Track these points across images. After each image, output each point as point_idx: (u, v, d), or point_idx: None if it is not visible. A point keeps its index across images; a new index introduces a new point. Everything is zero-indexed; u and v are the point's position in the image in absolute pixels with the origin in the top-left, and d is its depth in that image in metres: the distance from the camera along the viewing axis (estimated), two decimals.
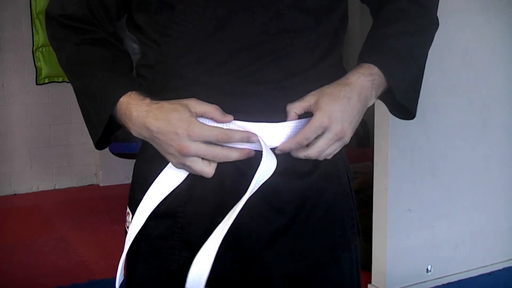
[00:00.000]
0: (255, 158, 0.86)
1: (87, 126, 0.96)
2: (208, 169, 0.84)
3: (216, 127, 0.83)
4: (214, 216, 0.89)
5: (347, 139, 0.87)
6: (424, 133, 2.60)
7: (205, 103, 0.83)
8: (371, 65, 0.90)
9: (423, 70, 1.01)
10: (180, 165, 0.85)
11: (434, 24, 0.99)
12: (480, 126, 2.77)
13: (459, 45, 2.65)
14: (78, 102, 0.96)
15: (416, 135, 2.57)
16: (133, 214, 0.95)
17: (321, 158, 0.87)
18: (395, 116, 1.02)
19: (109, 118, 0.89)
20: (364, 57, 0.92)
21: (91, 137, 0.95)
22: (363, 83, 0.88)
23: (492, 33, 2.74)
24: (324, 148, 0.85)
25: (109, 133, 0.94)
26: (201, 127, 0.82)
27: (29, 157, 4.57)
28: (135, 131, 0.86)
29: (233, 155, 0.84)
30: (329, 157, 0.89)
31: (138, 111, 0.84)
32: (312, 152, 0.85)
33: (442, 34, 2.90)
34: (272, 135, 0.86)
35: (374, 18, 1.01)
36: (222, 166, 0.85)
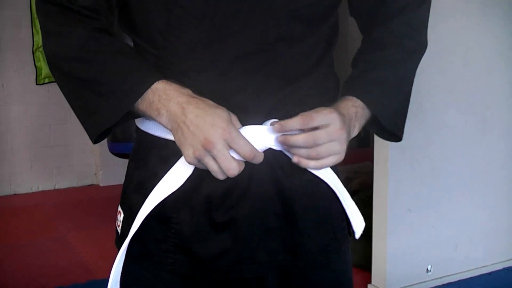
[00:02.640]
0: (248, 166, 0.86)
1: (85, 118, 0.89)
2: (221, 174, 0.82)
3: (250, 144, 0.81)
4: (207, 222, 0.89)
5: (341, 150, 0.86)
6: (424, 133, 2.60)
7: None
8: (354, 98, 0.91)
9: (410, 94, 1.02)
10: (195, 160, 0.81)
11: (423, 48, 1.00)
12: (480, 126, 2.77)
13: (459, 45, 2.65)
14: (77, 93, 0.89)
15: (416, 135, 2.57)
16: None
17: (313, 155, 0.84)
18: (384, 139, 1.04)
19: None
20: (348, 89, 0.94)
21: (91, 128, 0.88)
22: (349, 114, 0.90)
23: (492, 33, 2.74)
24: (322, 139, 0.83)
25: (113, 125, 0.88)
26: (238, 133, 0.80)
27: (29, 157, 4.58)
28: (167, 117, 0.83)
29: (235, 174, 0.82)
30: (322, 162, 0.86)
31: (180, 97, 0.82)
32: (308, 140, 0.83)
33: (442, 34, 2.90)
34: (265, 137, 0.86)
35: (363, 34, 1.01)
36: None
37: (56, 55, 0.89)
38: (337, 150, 0.85)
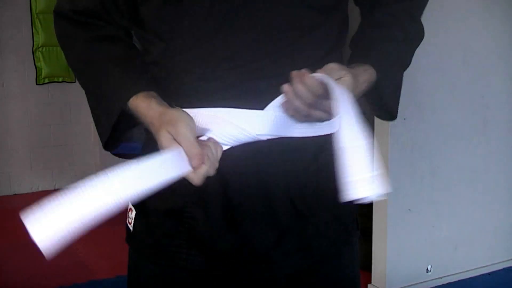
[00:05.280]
0: (259, 157, 0.87)
1: (95, 125, 0.95)
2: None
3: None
4: (222, 218, 0.89)
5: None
6: (424, 133, 2.60)
7: (187, 137, 0.78)
8: (373, 71, 0.92)
9: (402, 80, 1.03)
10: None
11: (421, 35, 1.01)
12: (480, 126, 2.77)
13: (459, 45, 2.65)
14: (89, 101, 0.96)
15: (416, 135, 2.57)
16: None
17: (317, 113, 0.83)
18: (379, 117, 1.05)
19: (123, 116, 0.88)
20: (363, 58, 0.93)
21: (100, 137, 0.94)
22: (364, 87, 0.90)
23: (492, 33, 2.74)
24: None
25: (120, 133, 0.93)
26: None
27: (29, 157, 4.57)
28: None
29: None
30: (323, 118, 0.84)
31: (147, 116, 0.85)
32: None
33: (442, 34, 2.89)
34: (257, 123, 0.86)
35: (363, 18, 1.02)
36: (227, 166, 0.86)
37: (70, 67, 0.97)
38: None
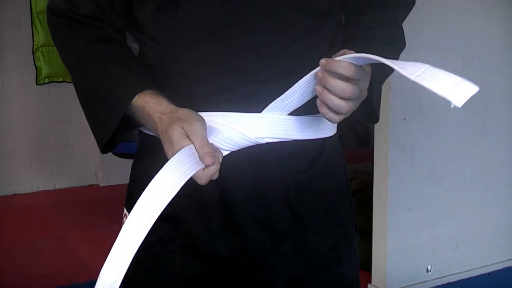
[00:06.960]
0: (256, 161, 0.87)
1: (91, 128, 0.93)
2: None
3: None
4: (217, 221, 0.89)
5: (355, 105, 0.81)
6: (424, 133, 2.60)
7: (200, 135, 0.77)
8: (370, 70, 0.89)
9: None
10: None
11: (404, 40, 1.00)
12: (480, 126, 2.77)
13: (459, 45, 2.65)
14: (82, 102, 0.93)
15: (416, 135, 2.57)
16: None
17: (335, 104, 0.78)
18: (363, 122, 1.00)
19: (123, 117, 0.87)
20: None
21: (97, 138, 0.92)
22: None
23: (492, 33, 2.74)
24: (346, 89, 0.77)
25: (118, 134, 0.91)
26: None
27: (29, 157, 4.58)
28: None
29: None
30: (336, 117, 0.80)
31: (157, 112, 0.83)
32: (353, 90, 0.77)
33: (442, 34, 2.89)
34: (255, 126, 0.85)
35: (350, 22, 1.00)
36: (223, 170, 0.85)
37: (66, 66, 0.95)
38: (351, 109, 0.79)
